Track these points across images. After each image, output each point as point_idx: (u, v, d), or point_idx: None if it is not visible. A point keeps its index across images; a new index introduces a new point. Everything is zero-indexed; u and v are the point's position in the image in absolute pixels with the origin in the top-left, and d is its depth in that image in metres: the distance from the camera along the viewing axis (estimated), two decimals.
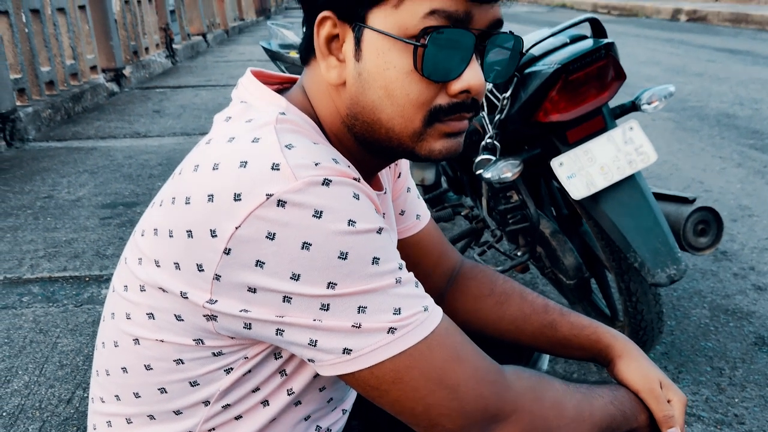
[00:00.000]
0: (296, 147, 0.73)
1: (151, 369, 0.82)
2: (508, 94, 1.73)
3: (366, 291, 0.72)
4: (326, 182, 0.70)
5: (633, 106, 1.85)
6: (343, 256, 0.70)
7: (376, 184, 0.96)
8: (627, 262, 1.79)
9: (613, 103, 1.92)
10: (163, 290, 0.77)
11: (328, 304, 0.71)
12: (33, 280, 2.35)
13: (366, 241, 0.71)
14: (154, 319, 0.80)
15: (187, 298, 0.75)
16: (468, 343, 0.80)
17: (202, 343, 0.79)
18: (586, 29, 1.86)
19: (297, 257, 0.69)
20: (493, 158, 1.81)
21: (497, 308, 1.10)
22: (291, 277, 0.70)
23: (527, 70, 1.71)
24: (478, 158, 1.83)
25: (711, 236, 1.83)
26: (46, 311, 2.13)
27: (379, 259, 0.72)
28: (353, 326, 0.71)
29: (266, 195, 0.68)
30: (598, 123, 1.75)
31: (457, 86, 0.77)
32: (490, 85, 1.80)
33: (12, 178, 3.65)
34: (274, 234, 0.68)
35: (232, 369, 0.81)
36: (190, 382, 0.82)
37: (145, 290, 0.80)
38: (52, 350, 1.91)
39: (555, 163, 1.74)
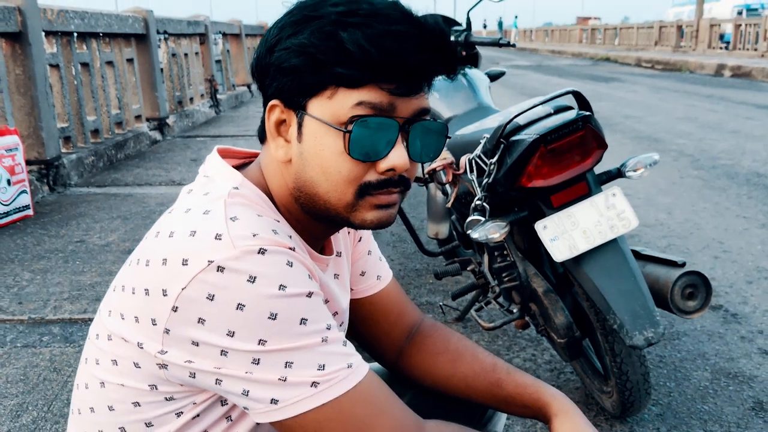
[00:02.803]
0: (240, 219, 0.84)
1: (114, 410, 0.93)
2: (494, 159, 1.83)
3: (293, 348, 0.81)
4: (261, 251, 0.81)
5: (619, 173, 1.92)
6: (273, 316, 0.80)
7: (328, 248, 1.06)
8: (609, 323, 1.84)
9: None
10: (125, 340, 0.88)
11: (258, 359, 0.81)
12: (54, 321, 2.49)
13: (295, 303, 0.82)
14: (117, 365, 0.90)
15: (143, 348, 0.86)
16: (391, 398, 0.88)
17: (156, 389, 0.89)
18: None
19: (232, 316, 0.80)
20: (483, 219, 1.90)
21: (449, 366, 1.17)
22: (227, 334, 0.80)
23: (512, 138, 1.81)
24: (468, 219, 1.91)
25: (700, 300, 1.87)
26: (62, 351, 2.26)
27: (307, 320, 0.82)
28: (280, 379, 0.81)
29: (208, 261, 0.80)
30: (581, 188, 1.83)
31: (383, 165, 0.88)
32: (479, 151, 1.89)
33: (50, 222, 3.86)
34: (214, 296, 0.80)
35: (182, 413, 0.91)
36: (146, 423, 0.92)
37: (111, 339, 0.91)
38: (62, 388, 2.03)
39: (539, 226, 1.82)
